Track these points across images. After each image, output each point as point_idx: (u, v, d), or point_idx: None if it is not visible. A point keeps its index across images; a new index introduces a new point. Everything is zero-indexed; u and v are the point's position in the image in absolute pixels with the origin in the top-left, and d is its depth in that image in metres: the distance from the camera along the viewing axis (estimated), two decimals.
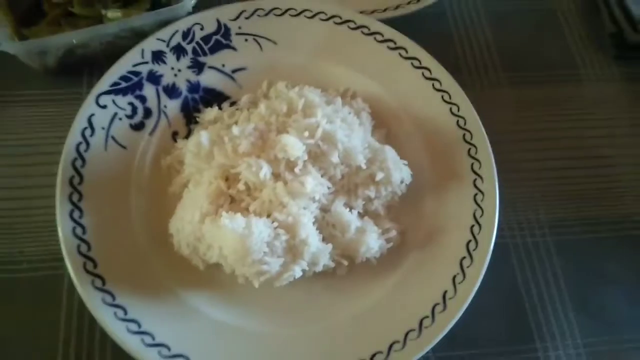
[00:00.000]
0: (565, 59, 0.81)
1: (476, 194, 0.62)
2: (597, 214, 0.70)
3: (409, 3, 0.76)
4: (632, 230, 0.69)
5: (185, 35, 0.67)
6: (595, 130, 0.76)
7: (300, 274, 0.56)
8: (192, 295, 0.57)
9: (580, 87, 0.79)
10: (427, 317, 0.56)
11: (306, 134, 0.57)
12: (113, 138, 0.61)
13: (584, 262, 0.66)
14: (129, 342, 0.52)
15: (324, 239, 0.58)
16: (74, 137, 0.59)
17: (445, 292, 0.57)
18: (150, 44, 0.65)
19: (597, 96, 0.79)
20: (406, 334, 0.55)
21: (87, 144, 0.59)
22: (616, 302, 0.64)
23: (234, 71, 0.68)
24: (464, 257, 0.58)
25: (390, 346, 0.54)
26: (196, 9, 0.68)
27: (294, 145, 0.56)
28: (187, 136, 0.64)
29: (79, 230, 0.56)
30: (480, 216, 0.60)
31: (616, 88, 0.79)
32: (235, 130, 0.58)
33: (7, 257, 0.60)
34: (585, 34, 0.83)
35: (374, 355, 0.54)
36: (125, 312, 0.53)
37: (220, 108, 0.66)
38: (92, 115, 0.61)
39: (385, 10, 0.75)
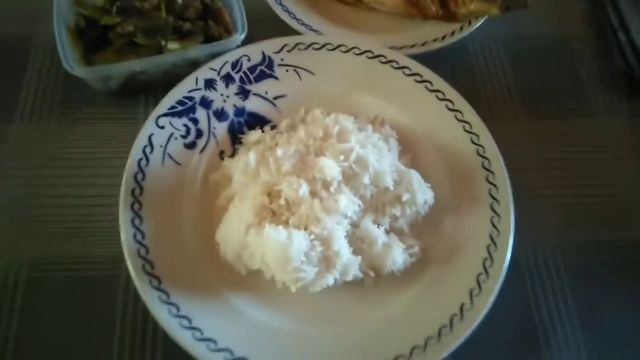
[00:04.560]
0: (578, 94, 0.85)
1: (493, 216, 0.66)
2: (605, 238, 0.73)
3: (434, 40, 0.81)
4: (637, 255, 0.72)
5: (234, 65, 0.73)
6: (606, 161, 0.79)
7: (333, 282, 0.61)
8: (236, 297, 0.62)
9: (591, 121, 0.82)
10: (445, 326, 0.60)
11: (341, 157, 0.63)
12: (169, 155, 0.67)
13: (591, 282, 0.70)
14: (182, 336, 0.57)
15: (353, 252, 0.62)
16: (136, 153, 0.65)
17: (463, 304, 0.62)
18: (203, 73, 0.72)
19: (607, 129, 0.82)
20: (426, 340, 0.59)
21: (147, 159, 0.66)
22: (620, 320, 0.68)
23: (275, 98, 0.74)
24: (480, 273, 0.63)
25: (412, 350, 0.59)
26: (244, 42, 0.74)
27: (330, 167, 0.62)
28: (232, 155, 0.70)
29: (139, 236, 0.62)
30: (496, 236, 0.65)
31: (626, 123, 0.83)
32: (279, 152, 0.64)
33: (72, 257, 0.66)
34: (597, 70, 0.87)
35: (396, 358, 0.58)
36: (178, 310, 0.59)
37: (262, 130, 0.72)
38: (152, 134, 0.67)
39: (413, 46, 0.80)
